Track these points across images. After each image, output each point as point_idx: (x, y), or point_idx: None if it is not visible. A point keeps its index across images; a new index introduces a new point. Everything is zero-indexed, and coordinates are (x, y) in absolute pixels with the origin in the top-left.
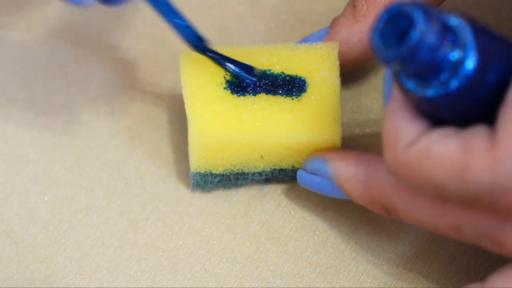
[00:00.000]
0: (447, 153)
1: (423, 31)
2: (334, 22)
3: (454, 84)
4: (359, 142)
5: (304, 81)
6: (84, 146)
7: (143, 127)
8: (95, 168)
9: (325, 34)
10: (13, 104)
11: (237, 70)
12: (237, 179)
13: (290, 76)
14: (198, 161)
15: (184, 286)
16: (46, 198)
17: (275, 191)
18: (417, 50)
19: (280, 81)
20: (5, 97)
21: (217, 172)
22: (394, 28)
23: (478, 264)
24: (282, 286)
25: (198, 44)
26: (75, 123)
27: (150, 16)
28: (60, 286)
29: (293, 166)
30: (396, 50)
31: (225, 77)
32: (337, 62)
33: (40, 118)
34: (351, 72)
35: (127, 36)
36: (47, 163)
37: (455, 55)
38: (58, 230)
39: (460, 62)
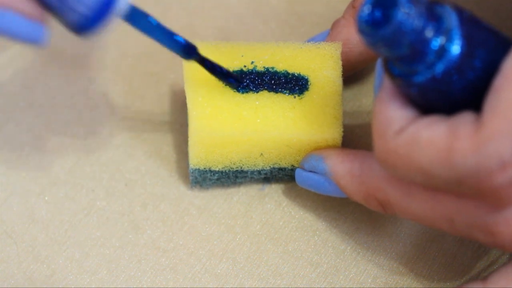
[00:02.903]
0: (434, 138)
1: (406, 11)
2: (335, 24)
3: (440, 68)
4: (359, 142)
5: (306, 79)
6: (84, 146)
7: (143, 127)
8: (96, 168)
9: (326, 37)
10: (13, 104)
11: (225, 79)
12: (236, 177)
13: (293, 74)
14: (198, 157)
15: (184, 286)
16: (46, 198)
17: (275, 191)
18: (400, 31)
19: (282, 79)
20: (5, 97)
21: (216, 169)
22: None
23: (479, 264)
24: (283, 286)
25: (189, 54)
26: (75, 123)
27: None
28: (60, 286)
29: (293, 165)
30: (379, 30)
31: None
32: (340, 62)
33: (40, 118)
34: (353, 73)
35: (127, 36)
36: (47, 163)
37: (440, 39)
38: (59, 230)
39: (446, 47)
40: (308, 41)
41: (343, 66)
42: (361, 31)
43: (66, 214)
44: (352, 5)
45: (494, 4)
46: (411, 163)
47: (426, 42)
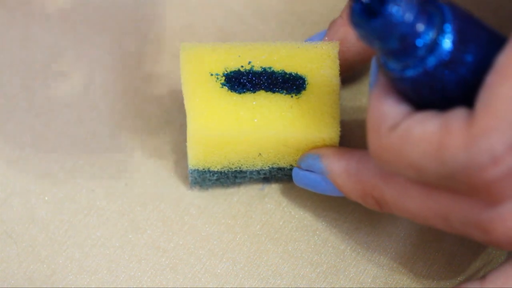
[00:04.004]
0: (427, 133)
1: (397, 4)
2: (332, 23)
3: (431, 61)
4: (358, 142)
5: (303, 79)
6: (84, 146)
7: (143, 127)
8: (95, 168)
9: (323, 36)
10: (13, 104)
11: None
12: (235, 177)
13: (290, 74)
14: (196, 157)
15: (184, 286)
16: (46, 198)
17: (275, 191)
18: (391, 23)
19: (280, 78)
20: (5, 97)
21: (215, 170)
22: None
23: (478, 264)
24: (283, 286)
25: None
26: (75, 123)
27: (150, 16)
28: (60, 286)
29: (291, 165)
30: (370, 22)
31: (224, 74)
32: (337, 61)
33: (40, 118)
34: (352, 73)
35: (127, 36)
36: (47, 163)
37: (431, 33)
38: (59, 230)
39: (437, 41)
40: (306, 41)
41: (341, 65)
42: (353, 22)
43: (66, 214)
44: (349, 5)
45: (494, 4)
46: (404, 159)
47: (417, 35)
